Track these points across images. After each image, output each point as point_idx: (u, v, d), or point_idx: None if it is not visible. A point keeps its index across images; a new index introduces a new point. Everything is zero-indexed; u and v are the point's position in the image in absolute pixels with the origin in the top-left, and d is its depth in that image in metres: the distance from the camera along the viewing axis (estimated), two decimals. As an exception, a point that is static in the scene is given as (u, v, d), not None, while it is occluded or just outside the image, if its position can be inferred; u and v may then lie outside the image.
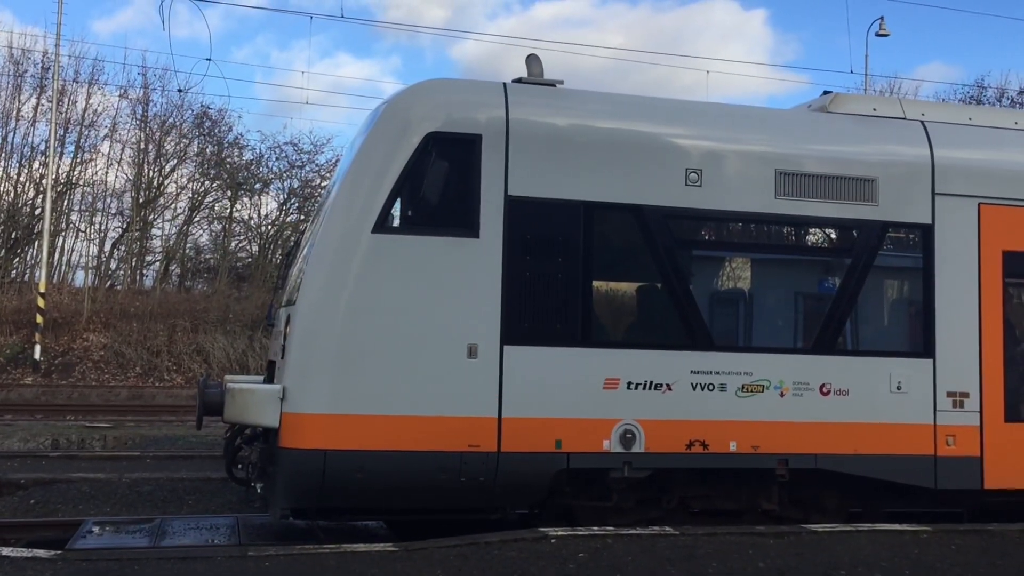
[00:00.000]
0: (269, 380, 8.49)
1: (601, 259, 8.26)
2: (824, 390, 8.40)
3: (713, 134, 8.64)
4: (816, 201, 8.61)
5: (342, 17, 32.38)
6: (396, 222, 7.87)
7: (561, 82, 8.62)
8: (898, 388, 8.53)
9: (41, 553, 6.78)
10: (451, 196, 7.89)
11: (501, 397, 7.76)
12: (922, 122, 9.19)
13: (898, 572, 6.78)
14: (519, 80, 8.58)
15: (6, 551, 6.71)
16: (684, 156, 8.39)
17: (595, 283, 8.25)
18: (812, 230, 9.06)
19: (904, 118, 9.23)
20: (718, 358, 8.24)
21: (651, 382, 8.05)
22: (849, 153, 8.82)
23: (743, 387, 8.24)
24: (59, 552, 6.95)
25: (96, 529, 8.65)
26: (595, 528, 7.68)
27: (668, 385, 8.08)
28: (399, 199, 7.86)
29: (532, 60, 8.67)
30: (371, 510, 8.23)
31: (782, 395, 8.31)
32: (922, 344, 8.71)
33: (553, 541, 7.16)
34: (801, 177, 8.60)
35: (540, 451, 7.82)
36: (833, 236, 9.14)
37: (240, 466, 8.32)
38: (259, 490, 8.12)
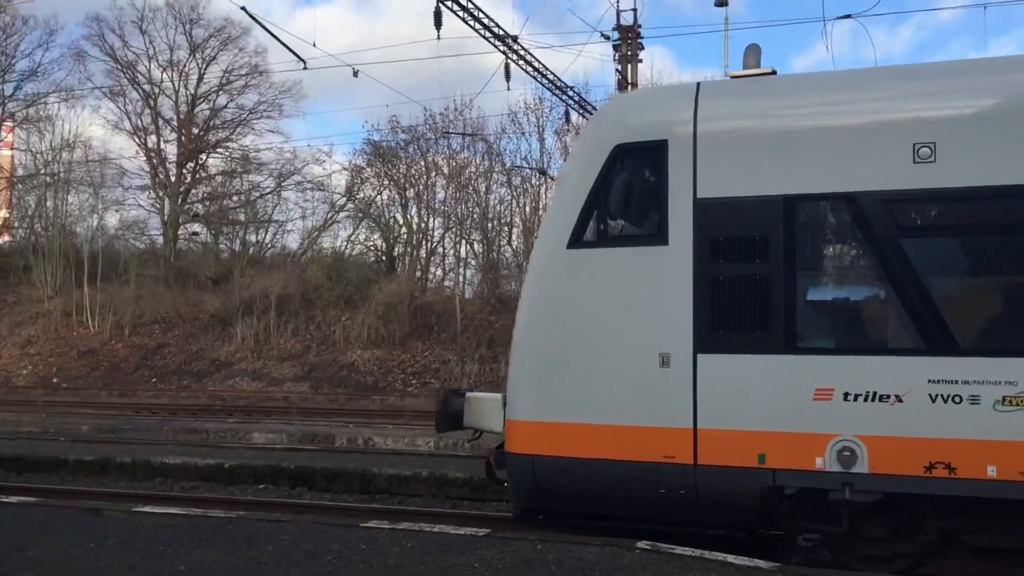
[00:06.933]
0: None
1: (805, 257, 7.49)
2: None
3: (950, 99, 7.26)
4: None
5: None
6: (589, 236, 7.98)
7: (774, 71, 8.12)
8: None
9: (761, 564, 6.98)
10: (639, 206, 7.89)
11: (696, 407, 7.46)
12: None
13: None
14: (733, 76, 8.25)
15: (730, 558, 7.05)
16: (911, 129, 7.16)
17: (799, 284, 7.43)
18: None
19: None
20: (965, 364, 6.88)
21: (874, 393, 7.04)
22: None
23: (1004, 399, 6.76)
24: (777, 565, 7.05)
25: None
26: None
27: (897, 396, 6.99)
28: (592, 214, 7.97)
29: (749, 51, 8.29)
30: (588, 515, 8.24)
31: None
32: None
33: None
34: None
35: (740, 465, 7.33)
36: None
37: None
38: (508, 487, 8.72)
